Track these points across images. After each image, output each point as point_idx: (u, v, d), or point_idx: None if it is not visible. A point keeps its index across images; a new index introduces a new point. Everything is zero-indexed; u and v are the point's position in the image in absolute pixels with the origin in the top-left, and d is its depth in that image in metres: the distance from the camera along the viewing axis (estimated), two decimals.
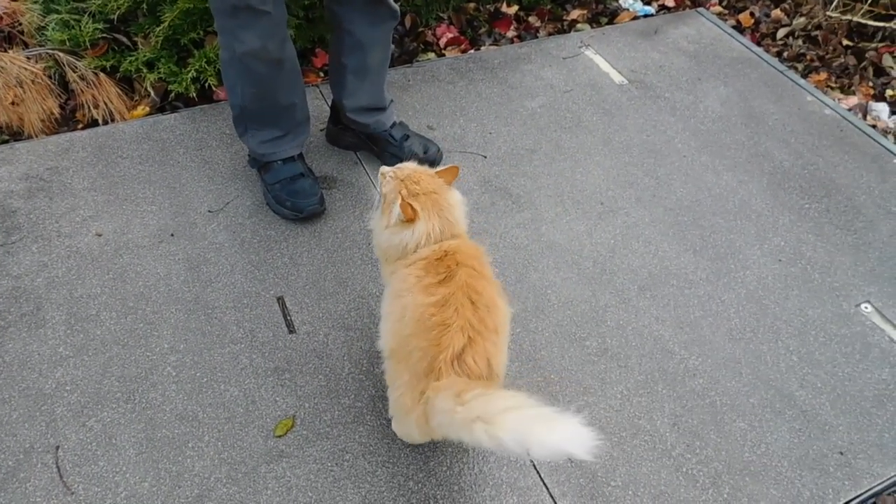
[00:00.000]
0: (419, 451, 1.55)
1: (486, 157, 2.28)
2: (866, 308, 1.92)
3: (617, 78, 2.66)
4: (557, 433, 1.02)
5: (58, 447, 1.50)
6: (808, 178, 2.30)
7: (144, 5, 2.32)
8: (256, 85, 1.82)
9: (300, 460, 1.52)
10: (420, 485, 1.50)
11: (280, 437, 1.56)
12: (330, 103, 2.21)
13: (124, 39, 2.38)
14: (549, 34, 2.93)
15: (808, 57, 2.89)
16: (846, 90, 2.76)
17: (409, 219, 1.37)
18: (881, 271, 2.02)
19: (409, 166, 1.49)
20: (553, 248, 2.01)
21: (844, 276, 2.00)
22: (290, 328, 1.76)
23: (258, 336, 1.73)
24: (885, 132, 2.57)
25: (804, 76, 2.78)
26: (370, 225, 1.53)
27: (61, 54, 2.27)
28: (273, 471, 1.50)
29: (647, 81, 2.65)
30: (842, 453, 1.62)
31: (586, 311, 1.86)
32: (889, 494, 1.57)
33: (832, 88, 2.77)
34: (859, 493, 1.56)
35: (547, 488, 1.52)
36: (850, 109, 2.63)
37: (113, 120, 2.29)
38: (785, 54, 2.92)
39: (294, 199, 1.97)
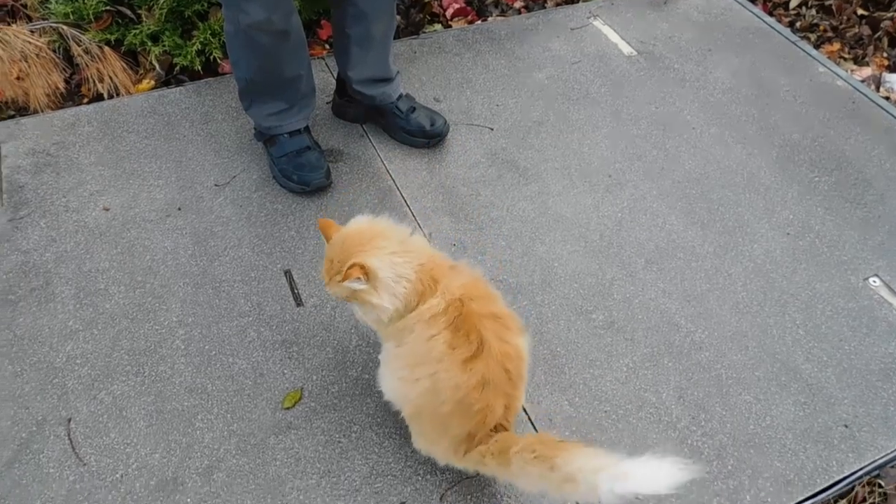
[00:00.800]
0: None
1: (492, 129, 2.26)
2: (874, 282, 1.91)
3: (626, 49, 2.62)
4: (647, 480, 1.10)
5: (70, 419, 1.53)
6: (818, 152, 2.27)
7: None
8: (261, 58, 1.81)
9: (308, 432, 1.54)
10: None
11: (288, 409, 1.58)
12: (336, 76, 2.19)
13: (128, 12, 2.36)
14: (557, 5, 2.88)
15: (822, 27, 2.84)
16: (860, 61, 2.72)
17: (364, 275, 1.25)
18: (890, 245, 2.00)
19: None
20: (560, 221, 2.00)
21: (853, 250, 1.99)
22: (298, 301, 1.77)
23: (266, 309, 1.74)
24: None
25: (817, 47, 2.73)
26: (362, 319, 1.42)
27: (65, 28, 2.26)
28: (282, 442, 1.52)
29: (657, 53, 2.61)
30: (846, 426, 1.62)
31: (593, 285, 1.86)
32: (893, 467, 1.58)
33: (845, 59, 2.72)
34: (863, 465, 1.56)
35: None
36: (863, 81, 2.58)
37: (118, 94, 2.28)
38: (797, 24, 2.86)
39: (301, 172, 1.97)
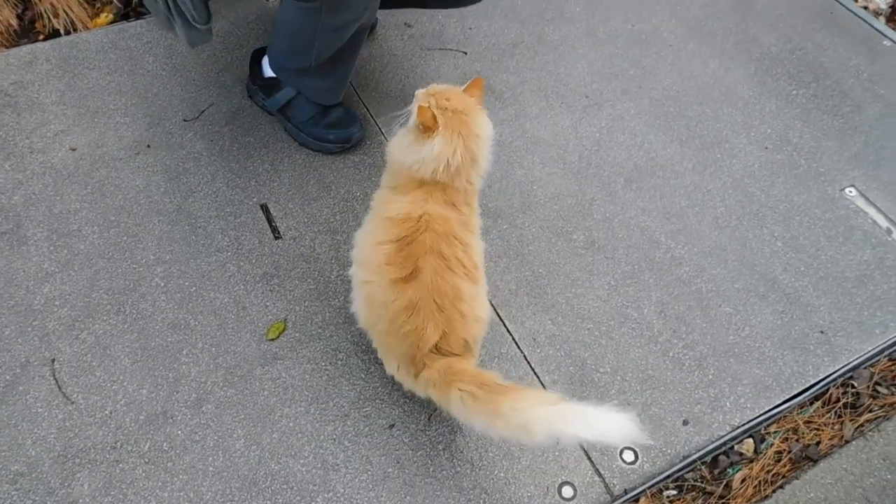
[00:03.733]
0: None
1: (466, 53, 2.20)
2: (850, 192, 1.93)
3: None
4: (594, 427, 1.10)
5: (53, 360, 1.52)
6: (795, 63, 2.24)
7: None
8: (336, 45, 1.70)
9: (294, 361, 1.55)
10: None
11: (273, 340, 1.58)
12: None
13: None
14: None
15: None
16: None
17: (427, 127, 1.29)
18: (866, 155, 2.01)
19: (443, 85, 1.40)
20: (538, 143, 1.98)
21: (830, 161, 2.00)
22: (276, 234, 1.75)
23: (244, 244, 1.72)
24: (876, 13, 2.50)
25: None
26: (391, 143, 1.43)
27: None
28: (268, 372, 1.53)
29: None
30: (822, 332, 1.67)
31: (572, 206, 1.85)
32: (865, 368, 1.63)
33: None
34: (837, 367, 1.61)
35: (538, 377, 1.56)
36: None
37: (75, 30, 2.18)
38: None
39: (336, 130, 1.88)
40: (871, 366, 1.64)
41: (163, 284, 1.64)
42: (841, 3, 2.43)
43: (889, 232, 1.84)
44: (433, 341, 1.26)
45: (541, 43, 2.26)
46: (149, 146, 1.89)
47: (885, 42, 2.32)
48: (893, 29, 2.43)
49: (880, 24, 2.40)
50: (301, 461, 1.42)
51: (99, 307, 1.60)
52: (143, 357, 1.53)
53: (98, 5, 2.28)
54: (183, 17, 1.61)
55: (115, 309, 1.60)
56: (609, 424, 1.10)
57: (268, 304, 1.63)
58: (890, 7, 2.55)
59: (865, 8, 2.48)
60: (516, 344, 1.60)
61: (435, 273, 1.27)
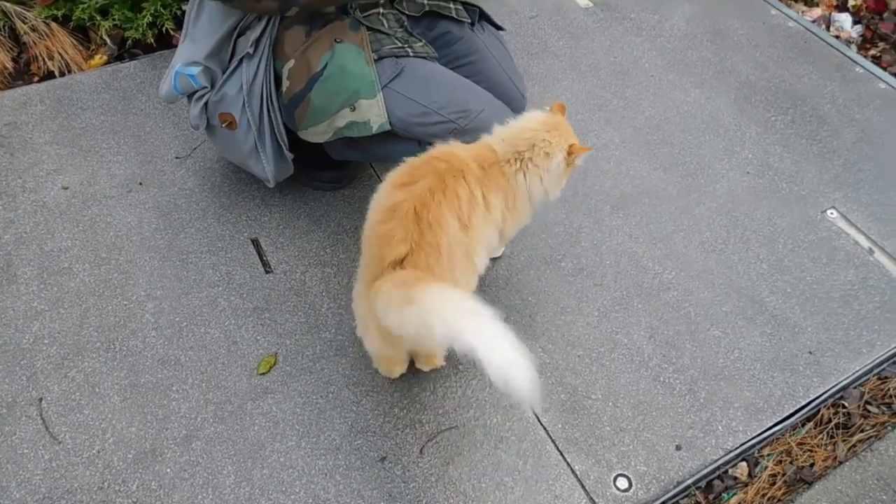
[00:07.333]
0: (403, 378, 1.58)
1: None
2: (832, 214, 1.96)
3: (581, 1, 2.61)
4: (490, 358, 1.04)
5: (41, 399, 1.51)
6: (773, 91, 2.30)
7: None
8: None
9: (285, 395, 1.55)
10: (405, 410, 1.54)
11: (264, 374, 1.58)
12: None
13: None
14: None
15: None
16: (809, 2, 2.75)
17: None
18: (845, 177, 2.05)
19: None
20: None
21: (811, 185, 2.03)
22: (267, 268, 1.76)
23: (235, 278, 1.73)
24: (848, 42, 2.58)
25: None
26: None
27: (8, 4, 2.19)
28: (259, 407, 1.53)
29: (612, 3, 2.61)
30: (811, 352, 1.68)
31: (560, 234, 1.87)
32: (854, 387, 1.64)
33: (795, 1, 2.75)
34: (827, 388, 1.62)
35: (530, 405, 1.56)
36: (813, 21, 2.62)
37: (70, 71, 2.22)
38: None
39: (329, 171, 1.90)
40: (861, 385, 1.65)
41: (153, 320, 1.65)
42: (814, 33, 2.51)
43: (871, 252, 1.87)
44: (399, 254, 1.24)
45: (526, 76, 2.29)
46: (141, 184, 1.91)
47: (857, 69, 2.39)
48: (865, 56, 2.50)
49: (852, 52, 2.47)
50: (292, 497, 1.41)
51: (88, 345, 1.59)
52: (132, 394, 1.53)
53: (93, 47, 2.33)
54: (275, 147, 1.67)
55: (104, 346, 1.59)
56: (503, 361, 1.03)
57: (258, 338, 1.63)
58: (861, 36, 2.63)
59: (837, 37, 2.55)
60: None
61: (429, 189, 1.29)
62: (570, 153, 1.42)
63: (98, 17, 2.25)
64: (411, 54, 1.59)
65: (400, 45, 1.60)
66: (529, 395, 1.02)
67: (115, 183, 1.91)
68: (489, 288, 1.74)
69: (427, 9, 1.71)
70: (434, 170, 1.32)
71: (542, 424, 1.53)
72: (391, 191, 1.32)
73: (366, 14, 1.60)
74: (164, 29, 2.26)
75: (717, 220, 1.93)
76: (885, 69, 2.44)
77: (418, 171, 1.33)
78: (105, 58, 2.30)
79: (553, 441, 1.51)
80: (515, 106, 1.77)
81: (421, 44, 1.65)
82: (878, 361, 1.67)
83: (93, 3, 2.24)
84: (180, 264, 1.75)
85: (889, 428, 1.58)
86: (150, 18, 2.24)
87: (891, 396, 1.64)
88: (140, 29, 2.23)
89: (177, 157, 1.98)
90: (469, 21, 1.75)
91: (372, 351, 1.46)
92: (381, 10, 1.64)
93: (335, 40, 1.53)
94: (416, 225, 1.26)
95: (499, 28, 1.85)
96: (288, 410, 1.53)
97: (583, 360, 1.64)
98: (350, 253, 1.78)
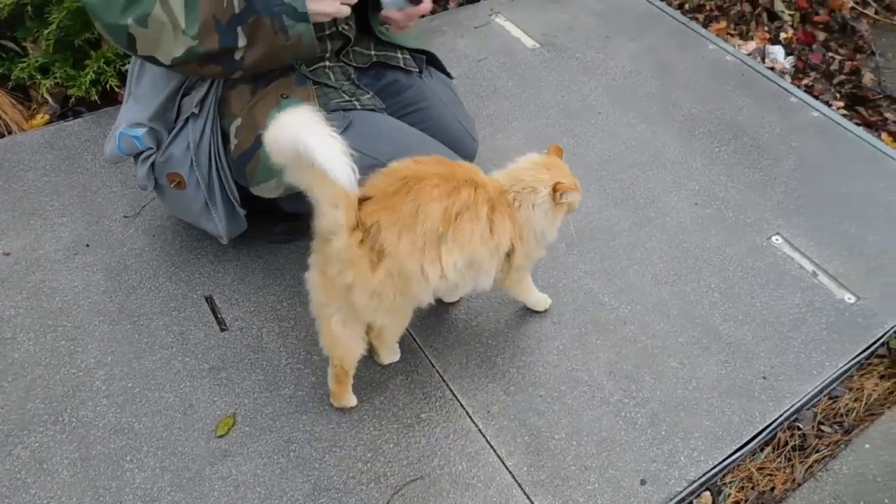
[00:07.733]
0: (365, 430, 1.56)
1: None
2: (777, 240, 2.02)
3: (529, 42, 2.68)
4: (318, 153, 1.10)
5: None
6: (716, 123, 2.38)
7: (29, 7, 2.20)
8: None
9: (245, 457, 1.51)
10: (368, 464, 1.51)
11: (222, 436, 1.54)
12: None
13: (12, 45, 2.25)
14: (460, 4, 2.92)
15: (708, 6, 2.99)
16: (745, 36, 2.87)
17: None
18: (787, 204, 2.13)
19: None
20: None
21: (755, 212, 2.10)
22: (222, 326, 1.73)
23: (189, 338, 1.70)
24: (782, 73, 2.69)
25: (705, 26, 2.87)
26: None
27: None
28: (218, 472, 1.48)
29: (559, 43, 2.68)
30: (765, 377, 1.71)
31: None
32: (808, 409, 1.68)
33: (732, 36, 2.87)
34: (782, 411, 1.65)
35: (494, 450, 1.55)
36: (749, 54, 2.73)
37: (10, 132, 2.17)
38: (686, 6, 3.00)
39: (283, 223, 1.88)
40: (814, 406, 1.69)
41: (104, 388, 1.59)
42: (750, 66, 2.61)
43: (815, 275, 1.93)
44: (364, 193, 1.31)
45: (477, 118, 2.32)
46: (87, 245, 1.87)
47: (791, 99, 2.49)
48: (798, 86, 2.62)
49: (786, 82, 2.58)
50: None
51: (35, 418, 1.53)
52: (83, 468, 1.47)
53: (34, 107, 2.29)
54: (227, 204, 1.65)
55: (52, 419, 1.54)
56: (332, 157, 1.10)
57: (215, 399, 1.59)
58: (793, 66, 2.76)
59: (772, 69, 2.67)
60: (470, 418, 1.60)
61: (436, 174, 1.34)
62: (555, 190, 1.44)
63: (38, 76, 2.22)
64: (359, 107, 1.60)
65: (347, 98, 1.61)
66: (348, 181, 1.12)
67: (61, 246, 1.86)
68: (448, 334, 1.74)
69: (374, 59, 1.73)
70: (452, 168, 1.39)
71: (507, 469, 1.52)
72: (408, 162, 1.38)
73: (312, 68, 1.61)
74: (108, 85, 2.23)
75: (668, 251, 1.98)
76: (816, 97, 2.55)
77: (440, 164, 1.39)
78: (47, 117, 2.26)
79: (519, 485, 1.50)
80: (466, 149, 1.79)
81: (368, 96, 1.66)
82: (827, 381, 1.72)
83: (32, 61, 2.21)
84: (131, 327, 1.71)
85: (842, 446, 1.62)
86: (94, 76, 2.22)
87: (842, 415, 1.69)
88: (83, 87, 2.20)
89: (125, 217, 1.95)
90: (417, 70, 1.78)
91: (324, 344, 1.47)
92: (327, 63, 1.65)
93: (282, 96, 1.53)
94: (399, 185, 1.31)
95: (448, 76, 1.88)
96: (248, 473, 1.49)
97: (545, 399, 1.64)
98: (307, 306, 1.76)
